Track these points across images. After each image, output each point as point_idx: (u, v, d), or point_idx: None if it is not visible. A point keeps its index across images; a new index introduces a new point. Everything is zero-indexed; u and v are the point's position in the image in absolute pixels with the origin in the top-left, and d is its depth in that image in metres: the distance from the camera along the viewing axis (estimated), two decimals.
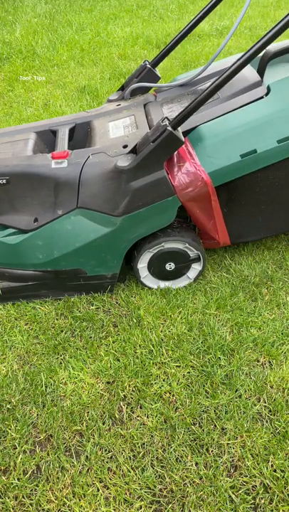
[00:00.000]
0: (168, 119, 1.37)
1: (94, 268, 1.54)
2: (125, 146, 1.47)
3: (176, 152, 1.42)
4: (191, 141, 1.46)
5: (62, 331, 1.52)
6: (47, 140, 1.69)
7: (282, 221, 1.63)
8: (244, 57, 1.27)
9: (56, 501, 1.12)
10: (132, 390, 1.34)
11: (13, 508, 1.11)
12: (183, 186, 1.40)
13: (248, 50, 1.26)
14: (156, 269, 1.60)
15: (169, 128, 1.33)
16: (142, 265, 1.58)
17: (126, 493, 1.12)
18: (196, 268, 1.62)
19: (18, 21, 4.33)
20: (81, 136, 1.70)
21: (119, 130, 1.59)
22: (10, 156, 1.52)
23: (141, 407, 1.30)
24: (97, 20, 4.36)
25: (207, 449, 1.20)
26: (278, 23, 1.22)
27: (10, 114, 2.85)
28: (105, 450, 1.21)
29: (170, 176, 1.41)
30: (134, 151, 1.43)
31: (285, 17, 1.21)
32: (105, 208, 1.44)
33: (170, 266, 1.59)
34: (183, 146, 1.43)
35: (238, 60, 1.28)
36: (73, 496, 1.13)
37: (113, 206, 1.43)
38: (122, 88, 1.84)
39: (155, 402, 1.30)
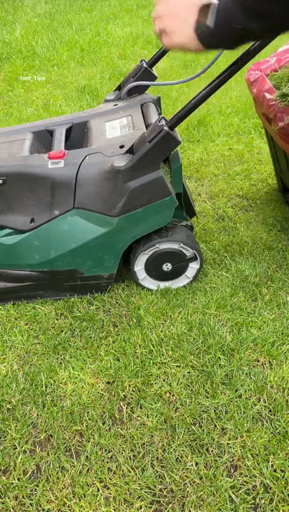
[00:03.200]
0: (165, 119, 1.37)
1: (91, 268, 1.54)
2: (122, 147, 1.47)
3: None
4: None
5: (62, 331, 1.52)
6: (44, 140, 1.68)
7: None
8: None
9: (56, 501, 1.12)
10: (132, 390, 1.34)
11: (13, 508, 1.11)
12: None
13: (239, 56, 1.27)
14: (154, 271, 1.60)
15: (166, 128, 1.33)
16: (139, 267, 1.58)
17: (126, 493, 1.12)
18: (193, 267, 1.62)
19: (18, 21, 4.33)
20: (78, 136, 1.70)
21: (116, 130, 1.59)
22: (6, 156, 1.52)
23: (141, 407, 1.30)
24: (97, 20, 4.36)
25: (207, 449, 1.20)
26: None
27: (10, 114, 2.85)
28: (105, 450, 1.21)
29: None
30: (130, 151, 1.43)
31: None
32: (102, 208, 1.44)
33: (167, 266, 1.59)
34: None
35: (233, 63, 1.28)
36: (73, 496, 1.13)
37: (110, 206, 1.43)
38: (119, 88, 1.83)
39: (155, 402, 1.30)
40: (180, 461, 1.18)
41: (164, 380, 1.36)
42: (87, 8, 4.71)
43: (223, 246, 1.85)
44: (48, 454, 1.21)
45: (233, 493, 1.12)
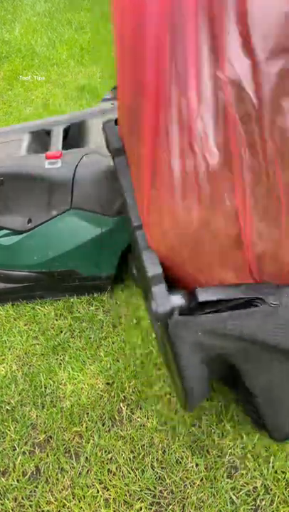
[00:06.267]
0: None
1: (89, 269, 1.54)
2: None
3: None
4: None
5: (61, 332, 1.52)
6: (41, 140, 1.68)
7: None
8: None
9: (56, 503, 1.11)
10: (132, 391, 1.33)
11: (12, 510, 1.10)
12: None
13: None
14: None
15: None
16: None
17: (126, 495, 1.12)
18: None
19: (18, 20, 4.32)
20: (75, 135, 1.70)
21: None
22: (4, 156, 1.52)
23: (141, 408, 1.29)
24: (96, 19, 4.35)
25: (207, 451, 1.19)
26: None
27: (9, 114, 2.84)
28: (105, 451, 1.21)
29: None
30: None
31: None
32: (99, 208, 1.44)
33: None
34: None
35: None
36: (73, 498, 1.12)
37: (107, 206, 1.43)
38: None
39: (155, 404, 1.30)
40: (180, 462, 1.18)
41: (164, 381, 1.35)
42: (87, 6, 4.70)
43: None
44: (47, 455, 1.21)
45: (233, 494, 1.11)
